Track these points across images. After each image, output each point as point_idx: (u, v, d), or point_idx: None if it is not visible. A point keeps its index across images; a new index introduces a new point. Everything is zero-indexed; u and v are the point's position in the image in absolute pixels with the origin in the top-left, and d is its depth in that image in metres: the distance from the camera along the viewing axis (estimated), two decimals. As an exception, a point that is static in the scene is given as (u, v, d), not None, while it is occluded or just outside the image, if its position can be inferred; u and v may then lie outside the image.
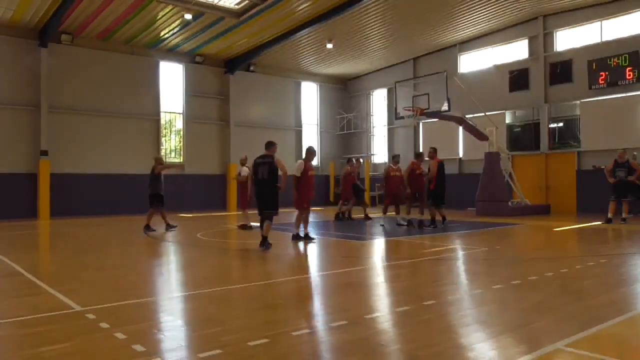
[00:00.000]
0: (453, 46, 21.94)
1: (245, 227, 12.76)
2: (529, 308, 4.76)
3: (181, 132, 21.93)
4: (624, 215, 13.27)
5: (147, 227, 12.33)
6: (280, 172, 8.84)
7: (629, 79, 16.61)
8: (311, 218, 17.39)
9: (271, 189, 8.81)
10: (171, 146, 22.09)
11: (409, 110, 18.20)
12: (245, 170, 13.04)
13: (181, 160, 21.63)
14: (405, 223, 12.96)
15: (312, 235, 10.30)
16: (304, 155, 10.20)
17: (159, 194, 12.59)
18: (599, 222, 13.48)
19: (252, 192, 10.57)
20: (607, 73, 17.17)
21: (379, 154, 25.93)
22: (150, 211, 12.62)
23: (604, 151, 16.88)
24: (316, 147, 26.13)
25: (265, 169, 8.80)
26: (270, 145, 9.08)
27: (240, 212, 13.54)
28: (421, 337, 3.93)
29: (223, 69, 22.69)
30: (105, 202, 18.86)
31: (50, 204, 17.87)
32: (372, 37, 20.58)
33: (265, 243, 8.74)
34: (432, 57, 22.76)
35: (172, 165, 13.08)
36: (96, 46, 19.27)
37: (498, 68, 20.48)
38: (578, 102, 18.29)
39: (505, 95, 20.16)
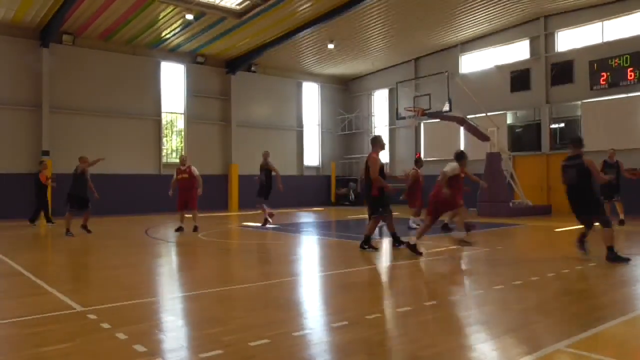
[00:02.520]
0: (454, 46, 21.93)
1: (180, 229, 12.05)
2: (530, 308, 4.75)
3: (182, 133, 21.95)
4: (621, 217, 13.03)
5: (83, 228, 11.73)
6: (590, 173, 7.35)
7: (630, 79, 16.59)
8: (314, 219, 17.46)
9: (588, 194, 7.43)
10: (172, 146, 22.11)
11: (410, 110, 18.21)
12: (196, 171, 12.42)
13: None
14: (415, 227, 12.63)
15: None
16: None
17: (80, 196, 11.64)
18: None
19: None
20: (608, 74, 17.15)
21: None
22: (85, 214, 11.83)
23: (605, 152, 16.82)
24: (317, 147, 26.21)
25: (573, 172, 7.50)
26: (577, 142, 7.58)
27: (185, 214, 12.31)
28: (422, 337, 3.93)
29: (224, 69, 22.70)
30: (107, 202, 18.77)
31: (51, 204, 17.84)
32: (374, 37, 20.58)
33: (615, 258, 7.27)
34: (434, 58, 22.76)
35: (95, 161, 11.82)
36: (97, 46, 19.30)
37: (499, 68, 20.47)
38: (579, 102, 18.28)
39: (507, 95, 20.15)
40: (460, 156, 9.10)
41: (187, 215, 12.35)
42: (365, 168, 8.89)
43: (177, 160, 21.59)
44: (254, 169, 23.05)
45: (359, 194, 25.72)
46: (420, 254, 7.97)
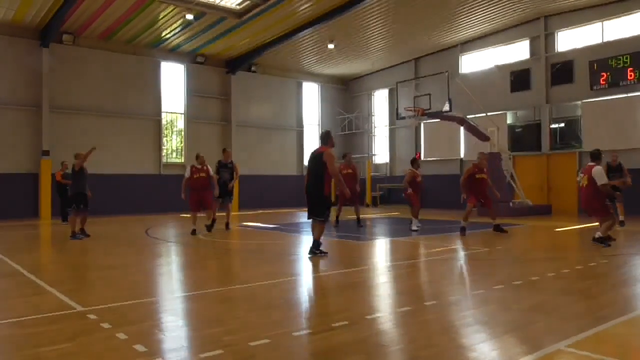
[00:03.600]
0: (454, 46, 21.92)
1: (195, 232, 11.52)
2: (530, 308, 4.75)
3: (182, 133, 21.96)
4: (621, 217, 12.98)
5: (82, 232, 11.06)
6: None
7: (630, 79, 16.58)
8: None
9: None
10: (172, 146, 22.11)
11: (411, 110, 18.21)
12: (212, 170, 12.05)
13: (182, 160, 21.63)
14: (418, 228, 12.43)
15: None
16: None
17: (83, 193, 11.01)
18: (597, 224, 13.40)
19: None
20: (608, 73, 17.14)
21: (381, 154, 25.93)
22: (80, 215, 11.14)
23: (605, 152, 16.83)
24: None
25: None
26: None
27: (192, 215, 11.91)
28: (422, 337, 3.93)
29: (224, 69, 22.70)
30: (107, 202, 18.83)
31: (51, 204, 17.88)
32: (374, 37, 20.58)
33: None
34: (434, 58, 22.75)
35: (88, 152, 11.05)
36: (98, 46, 19.30)
37: (499, 68, 20.46)
38: (579, 102, 18.27)
39: (507, 95, 20.14)
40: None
41: (199, 215, 11.95)
42: (313, 165, 8.24)
43: (178, 160, 21.71)
44: (254, 168, 23.30)
45: (359, 193, 25.71)
46: (609, 242, 9.00)
